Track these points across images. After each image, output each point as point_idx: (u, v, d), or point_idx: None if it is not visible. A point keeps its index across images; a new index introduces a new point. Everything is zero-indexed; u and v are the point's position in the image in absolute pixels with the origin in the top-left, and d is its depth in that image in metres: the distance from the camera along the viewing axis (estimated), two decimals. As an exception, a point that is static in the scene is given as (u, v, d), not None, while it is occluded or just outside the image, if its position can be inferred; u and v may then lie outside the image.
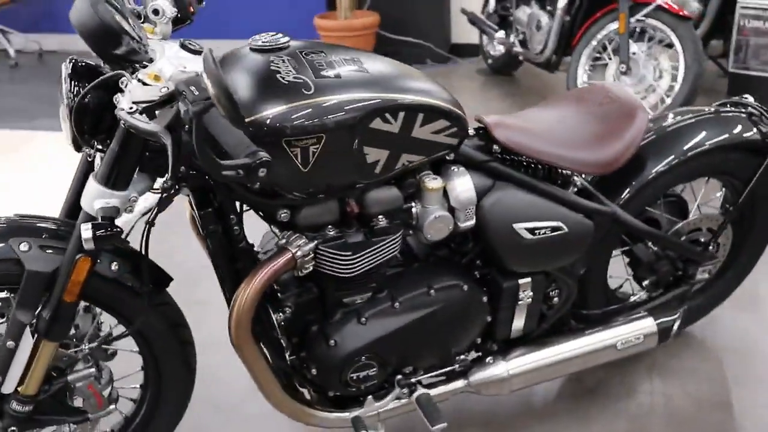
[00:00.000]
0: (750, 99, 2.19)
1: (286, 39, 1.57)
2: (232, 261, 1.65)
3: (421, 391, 1.85)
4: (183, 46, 1.48)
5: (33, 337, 1.56)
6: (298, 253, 1.59)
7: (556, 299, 1.98)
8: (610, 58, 4.12)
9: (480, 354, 1.97)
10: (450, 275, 1.82)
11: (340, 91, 1.51)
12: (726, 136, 2.06)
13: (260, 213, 1.65)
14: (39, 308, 1.55)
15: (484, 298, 1.85)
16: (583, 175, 1.97)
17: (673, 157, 2.01)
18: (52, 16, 6.53)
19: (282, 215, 1.61)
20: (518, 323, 1.94)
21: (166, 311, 1.73)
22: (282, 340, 1.74)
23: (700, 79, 3.86)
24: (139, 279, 1.63)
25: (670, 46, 3.95)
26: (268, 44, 1.55)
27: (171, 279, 1.74)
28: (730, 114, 2.13)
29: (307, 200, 1.59)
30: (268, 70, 1.50)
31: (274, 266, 1.59)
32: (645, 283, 2.19)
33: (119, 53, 1.37)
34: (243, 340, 1.63)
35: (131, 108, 1.33)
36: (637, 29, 4.01)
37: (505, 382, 1.93)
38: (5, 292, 1.61)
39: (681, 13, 3.89)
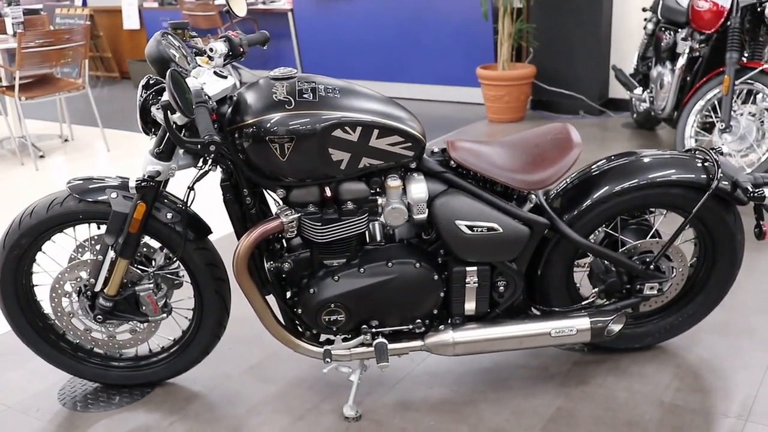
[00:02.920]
0: (721, 149, 2.55)
1: (294, 71, 2.30)
2: (244, 221, 2.38)
3: (380, 339, 2.45)
4: (215, 73, 2.25)
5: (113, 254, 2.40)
6: (285, 221, 2.28)
7: (502, 289, 2.49)
8: (717, 118, 4.37)
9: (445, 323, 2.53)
10: (408, 255, 2.41)
11: (312, 108, 2.19)
12: (671, 174, 2.46)
13: (267, 191, 2.37)
14: (118, 236, 2.38)
15: (435, 277, 2.41)
16: (541, 192, 2.49)
17: (620, 187, 2.45)
18: (273, 57, 7.81)
19: (279, 193, 2.32)
20: (470, 304, 2.47)
21: (204, 253, 2.49)
22: (280, 286, 2.44)
23: (796, 142, 4.02)
24: (183, 226, 2.41)
25: (777, 108, 4.15)
26: (280, 75, 2.28)
27: (210, 231, 2.51)
28: (686, 157, 2.52)
29: (293, 183, 2.28)
30: (269, 90, 2.22)
31: (266, 227, 2.30)
32: (595, 290, 2.61)
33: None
34: (240, 276, 2.34)
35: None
36: (744, 91, 4.25)
37: (449, 347, 2.46)
38: (100, 228, 2.48)
39: (783, 78, 4.08)
